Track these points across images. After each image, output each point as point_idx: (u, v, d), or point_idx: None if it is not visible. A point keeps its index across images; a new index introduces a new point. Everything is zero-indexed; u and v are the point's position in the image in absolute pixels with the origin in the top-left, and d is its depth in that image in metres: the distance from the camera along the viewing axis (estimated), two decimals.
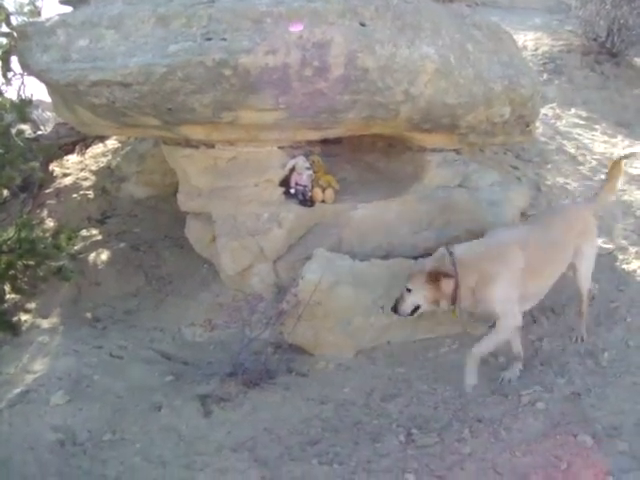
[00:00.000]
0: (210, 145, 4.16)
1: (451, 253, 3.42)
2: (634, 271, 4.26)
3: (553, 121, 6.40)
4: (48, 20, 3.87)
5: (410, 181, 4.61)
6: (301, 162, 4.29)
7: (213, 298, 4.40)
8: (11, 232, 4.17)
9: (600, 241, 4.56)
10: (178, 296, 4.63)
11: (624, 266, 4.33)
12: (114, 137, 6.79)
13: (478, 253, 3.47)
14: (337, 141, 4.76)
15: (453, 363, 3.72)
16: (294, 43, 3.29)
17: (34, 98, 5.48)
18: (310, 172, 4.32)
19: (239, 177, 4.21)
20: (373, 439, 3.09)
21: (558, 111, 6.66)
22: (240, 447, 3.07)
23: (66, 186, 6.45)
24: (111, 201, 6.06)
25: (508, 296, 3.39)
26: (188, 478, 2.87)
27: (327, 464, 2.92)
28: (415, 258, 3.98)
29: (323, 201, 4.38)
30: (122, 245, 5.32)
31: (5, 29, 5.49)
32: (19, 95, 5.69)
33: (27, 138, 5.45)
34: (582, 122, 6.51)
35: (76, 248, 4.89)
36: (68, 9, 4.22)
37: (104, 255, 5.25)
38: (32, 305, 4.72)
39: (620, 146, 6.10)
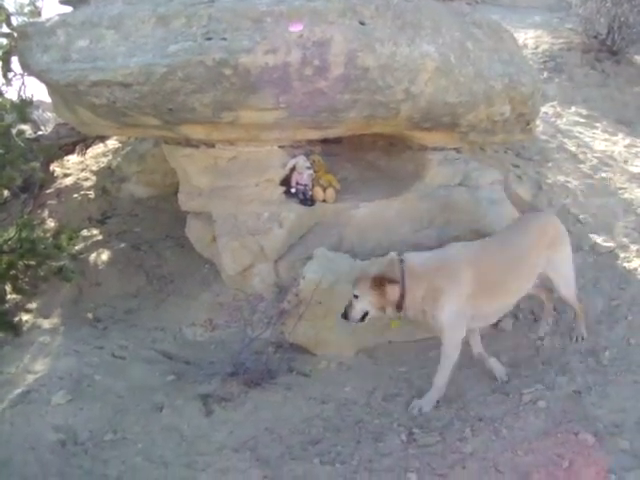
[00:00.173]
0: (210, 145, 4.16)
1: (401, 260, 3.32)
2: (635, 269, 4.25)
3: (553, 119, 6.39)
4: (48, 20, 3.87)
5: (411, 180, 4.61)
6: (302, 161, 4.30)
7: (214, 298, 4.40)
8: (12, 232, 4.18)
9: (600, 239, 4.57)
10: (179, 296, 4.64)
11: (625, 264, 4.33)
12: (114, 137, 6.80)
13: (430, 265, 3.34)
14: (337, 140, 4.76)
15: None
16: (294, 42, 3.29)
17: (34, 98, 5.49)
18: (311, 171, 4.32)
19: (239, 177, 4.21)
20: (375, 438, 3.08)
21: (558, 109, 6.66)
22: (242, 447, 3.07)
23: (67, 186, 6.46)
24: (112, 201, 6.07)
25: (456, 313, 3.27)
26: (189, 478, 2.87)
27: (329, 463, 2.91)
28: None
29: (324, 200, 4.38)
30: (123, 245, 5.32)
31: (5, 29, 5.52)
32: (19, 95, 5.71)
33: (28, 138, 5.46)
34: (583, 120, 6.51)
35: (77, 248, 4.89)
36: (68, 9, 4.22)
37: (105, 255, 5.26)
38: (33, 305, 4.73)
39: (621, 144, 6.09)
